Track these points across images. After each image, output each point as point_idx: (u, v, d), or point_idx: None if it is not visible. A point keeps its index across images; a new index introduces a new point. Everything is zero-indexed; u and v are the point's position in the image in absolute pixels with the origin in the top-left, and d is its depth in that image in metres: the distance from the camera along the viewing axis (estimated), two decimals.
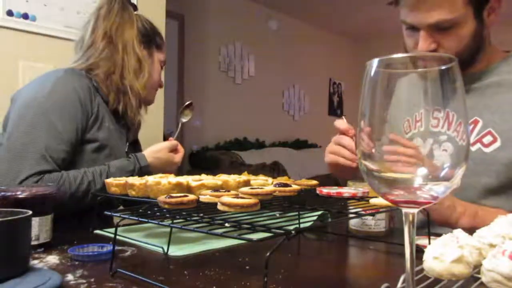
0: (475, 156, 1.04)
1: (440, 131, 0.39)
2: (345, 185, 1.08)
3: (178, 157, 1.35)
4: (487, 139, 1.05)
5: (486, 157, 1.04)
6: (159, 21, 2.63)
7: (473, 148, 1.05)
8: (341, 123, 1.04)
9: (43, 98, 1.15)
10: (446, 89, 0.38)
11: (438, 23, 0.99)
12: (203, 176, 0.92)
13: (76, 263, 0.73)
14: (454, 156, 0.39)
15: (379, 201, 0.73)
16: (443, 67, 0.38)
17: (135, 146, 1.50)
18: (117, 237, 0.69)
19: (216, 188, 0.79)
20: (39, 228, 0.80)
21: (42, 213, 0.81)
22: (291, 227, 0.53)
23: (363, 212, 0.69)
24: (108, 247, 0.78)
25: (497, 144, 1.04)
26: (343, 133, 1.04)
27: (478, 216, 0.93)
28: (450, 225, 0.93)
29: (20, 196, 0.79)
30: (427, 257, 0.56)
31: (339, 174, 1.16)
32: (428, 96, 0.38)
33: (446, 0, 0.98)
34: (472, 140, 1.06)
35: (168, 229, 0.83)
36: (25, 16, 2.10)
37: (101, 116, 1.25)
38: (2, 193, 0.79)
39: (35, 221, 0.79)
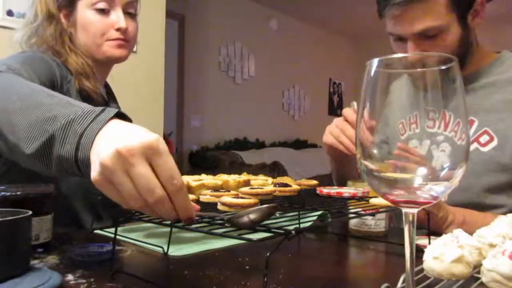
0: (473, 156, 1.04)
1: (436, 131, 0.39)
2: (345, 184, 1.08)
3: None
4: (484, 138, 1.06)
5: (484, 157, 1.04)
6: (159, 21, 2.64)
7: (470, 148, 1.06)
8: (349, 113, 1.04)
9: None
10: (444, 89, 0.39)
11: (424, 31, 1.00)
12: (203, 176, 0.92)
13: (76, 263, 0.73)
14: (452, 156, 0.39)
15: (379, 201, 0.73)
16: (443, 67, 0.39)
17: None
18: (117, 237, 0.69)
19: (216, 188, 0.79)
20: (39, 228, 0.80)
21: (42, 213, 0.81)
22: (291, 227, 0.53)
23: (363, 212, 0.69)
24: (108, 247, 0.78)
25: (494, 143, 1.04)
26: (349, 123, 1.03)
27: (465, 222, 0.95)
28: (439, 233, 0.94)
29: (20, 196, 0.79)
30: (427, 257, 0.56)
31: (333, 154, 1.16)
32: (423, 97, 0.39)
33: (429, 9, 0.99)
34: None
35: (168, 229, 0.83)
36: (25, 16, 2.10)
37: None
38: (2, 193, 0.79)
39: (35, 221, 0.79)
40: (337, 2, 5.52)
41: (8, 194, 0.79)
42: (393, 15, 1.03)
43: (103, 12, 1.11)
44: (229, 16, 5.32)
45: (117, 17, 1.11)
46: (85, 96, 1.10)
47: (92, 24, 1.11)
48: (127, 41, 1.15)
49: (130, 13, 1.16)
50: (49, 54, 1.10)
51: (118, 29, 1.11)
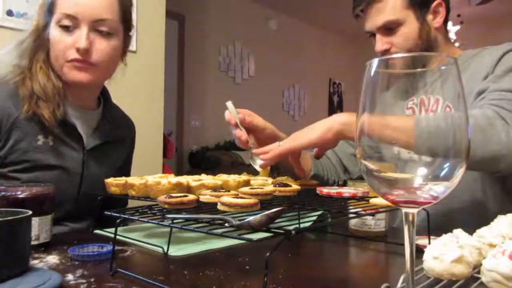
0: None
1: None
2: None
3: None
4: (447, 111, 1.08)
5: None
6: (159, 21, 2.64)
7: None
8: (226, 113, 1.13)
9: None
10: (442, 90, 0.39)
11: (384, 24, 1.19)
12: (203, 176, 0.92)
13: (76, 263, 0.73)
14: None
15: (379, 201, 0.73)
16: (443, 67, 0.39)
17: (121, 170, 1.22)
18: (117, 237, 0.69)
19: (216, 188, 0.79)
20: (39, 228, 0.80)
21: (42, 213, 0.81)
22: (291, 227, 0.53)
23: (363, 212, 0.69)
24: (108, 247, 0.78)
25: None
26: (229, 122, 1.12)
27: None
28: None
29: (20, 196, 0.79)
30: (427, 257, 0.56)
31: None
32: (404, 89, 0.39)
33: (386, 7, 1.18)
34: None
35: (168, 229, 0.83)
36: (25, 16, 2.10)
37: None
38: (2, 193, 0.79)
39: (35, 221, 0.79)
40: (337, 2, 5.51)
41: (8, 194, 0.79)
42: (362, 14, 1.22)
43: (67, 29, 1.02)
44: (229, 16, 5.32)
45: (79, 35, 1.01)
46: (38, 120, 1.03)
47: (55, 42, 1.02)
48: (91, 63, 1.04)
49: (102, 31, 1.05)
50: (11, 77, 1.04)
51: (77, 49, 1.01)
